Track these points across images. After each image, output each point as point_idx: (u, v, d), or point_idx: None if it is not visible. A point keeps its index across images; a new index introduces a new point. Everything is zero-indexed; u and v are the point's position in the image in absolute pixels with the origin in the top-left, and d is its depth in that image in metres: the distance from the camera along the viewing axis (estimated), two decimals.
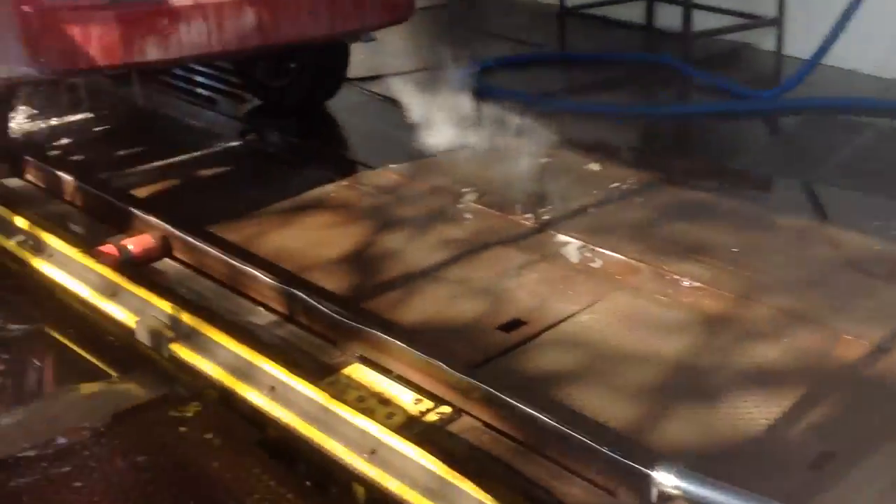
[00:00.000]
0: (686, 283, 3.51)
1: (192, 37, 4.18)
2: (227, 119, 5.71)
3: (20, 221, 3.89)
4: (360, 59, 5.83)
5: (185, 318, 3.10)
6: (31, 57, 3.96)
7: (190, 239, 3.80)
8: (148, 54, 4.12)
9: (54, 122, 5.60)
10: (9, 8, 3.90)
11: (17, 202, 4.26)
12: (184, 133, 5.50)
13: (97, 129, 5.58)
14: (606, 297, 3.49)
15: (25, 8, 3.90)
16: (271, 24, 4.39)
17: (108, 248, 3.72)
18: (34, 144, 5.25)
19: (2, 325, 3.42)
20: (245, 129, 5.47)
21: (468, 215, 4.26)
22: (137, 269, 3.66)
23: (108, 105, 5.81)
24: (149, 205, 4.26)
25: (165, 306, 3.18)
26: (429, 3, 7.36)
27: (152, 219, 3.96)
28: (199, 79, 6.33)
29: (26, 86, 5.04)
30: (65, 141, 5.37)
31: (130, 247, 3.77)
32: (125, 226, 4.05)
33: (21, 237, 3.84)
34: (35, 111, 5.72)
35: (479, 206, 4.31)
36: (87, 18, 3.96)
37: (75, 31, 3.95)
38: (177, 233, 3.85)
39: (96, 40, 3.99)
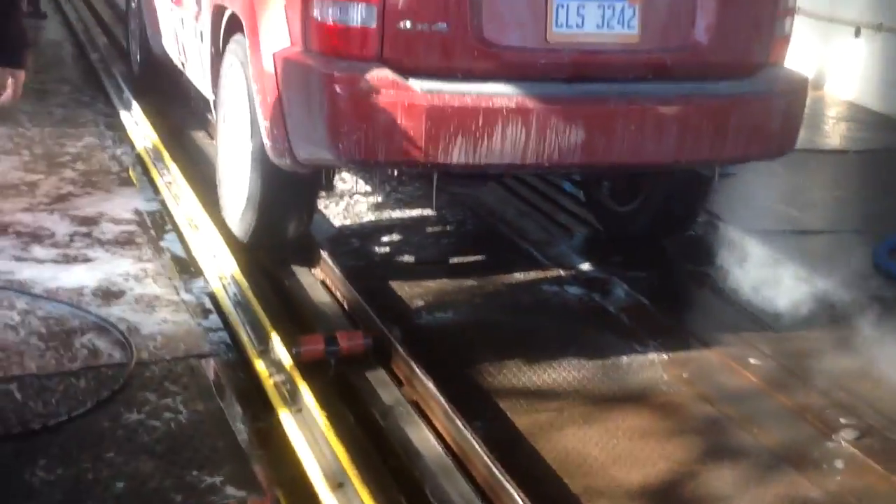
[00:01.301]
0: None
1: (507, 144, 3.53)
2: (561, 245, 4.90)
3: (285, 357, 3.28)
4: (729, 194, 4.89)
5: None
6: (331, 141, 3.51)
7: (448, 409, 3.08)
8: (459, 157, 3.51)
9: (373, 216, 5.08)
10: (318, 86, 3.49)
11: (297, 312, 3.78)
12: (508, 253, 4.78)
13: (413, 227, 4.99)
14: None
15: (336, 88, 3.45)
16: (603, 142, 3.64)
17: (314, 341, 3.42)
18: (340, 235, 4.81)
19: (218, 488, 2.71)
20: (578, 269, 4.57)
21: (838, 462, 3.12)
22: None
23: (442, 201, 5.20)
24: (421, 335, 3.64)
25: None
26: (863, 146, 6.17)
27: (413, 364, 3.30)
28: (537, 184, 5.60)
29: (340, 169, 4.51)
30: (377, 236, 4.87)
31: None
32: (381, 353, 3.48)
33: (281, 377, 3.23)
34: (361, 194, 5.27)
35: (857, 452, 3.16)
36: (395, 107, 3.43)
37: (380, 120, 3.44)
38: (440, 400, 3.13)
39: (400, 133, 3.45)
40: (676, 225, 4.81)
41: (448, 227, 5.05)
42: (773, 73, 3.95)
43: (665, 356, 3.77)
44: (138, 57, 6.57)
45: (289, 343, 3.38)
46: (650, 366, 3.70)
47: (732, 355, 3.79)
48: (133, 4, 6.59)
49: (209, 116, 5.83)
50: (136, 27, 6.55)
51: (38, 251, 4.08)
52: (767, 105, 3.86)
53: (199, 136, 6.06)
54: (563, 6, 3.60)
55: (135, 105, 6.05)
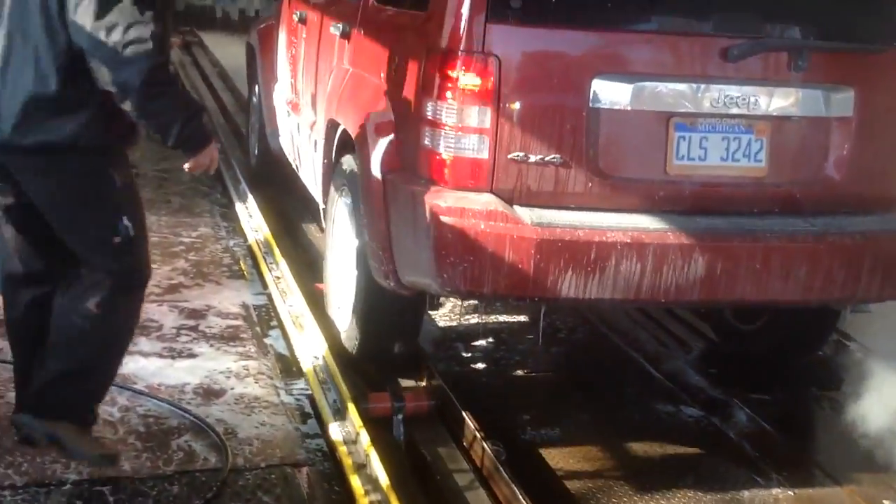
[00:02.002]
0: None
1: (620, 280, 3.34)
2: (677, 359, 4.64)
3: (382, 476, 3.12)
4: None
5: None
6: (436, 270, 3.38)
7: None
8: (568, 291, 3.33)
9: (479, 318, 4.91)
10: (425, 215, 3.38)
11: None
12: (620, 366, 4.56)
13: (520, 332, 4.80)
14: None
15: (443, 218, 3.33)
16: (725, 280, 3.41)
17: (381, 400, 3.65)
18: (445, 339, 4.67)
19: None
20: (695, 388, 4.32)
21: None
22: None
23: (564, 319, 5.02)
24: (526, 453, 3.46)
25: None
26: None
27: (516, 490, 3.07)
28: None
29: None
30: (482, 341, 4.69)
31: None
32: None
33: (378, 497, 3.08)
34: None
35: None
36: (503, 240, 3.29)
37: (487, 252, 3.30)
38: None
39: (508, 266, 3.30)
40: (803, 347, 4.51)
41: (558, 335, 4.86)
42: None
43: (791, 492, 3.49)
44: (255, 150, 6.68)
45: (387, 463, 3.23)
46: (774, 503, 3.41)
47: (865, 495, 3.48)
48: (254, 99, 6.73)
49: (321, 210, 5.85)
50: (256, 121, 6.67)
51: (144, 344, 4.06)
52: None
53: (311, 229, 6.07)
54: (684, 138, 3.44)
55: (250, 197, 6.11)
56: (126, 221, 3.04)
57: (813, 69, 3.47)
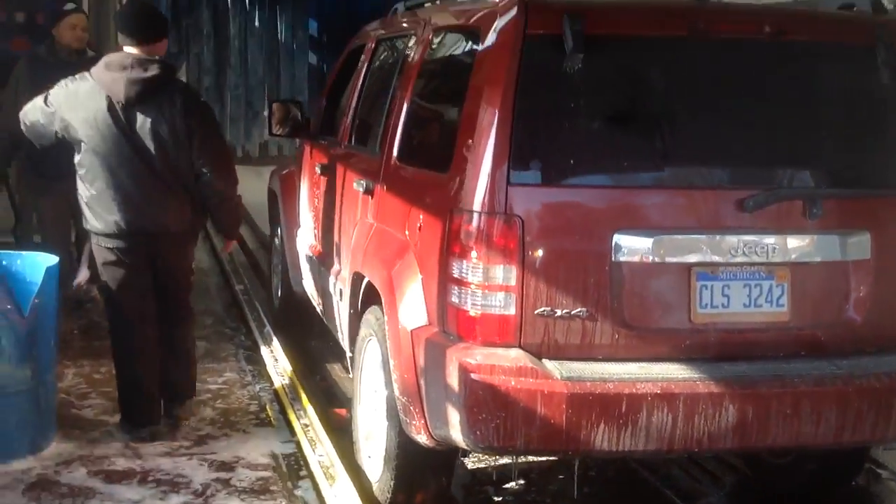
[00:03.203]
0: None
1: (652, 430, 3.37)
2: (711, 496, 4.61)
3: None
4: None
5: None
6: (468, 427, 3.42)
7: None
8: (601, 444, 3.36)
9: (509, 458, 4.81)
10: (455, 371, 3.43)
11: None
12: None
13: (551, 472, 4.75)
14: None
15: (473, 375, 3.39)
16: (756, 426, 3.44)
17: None
18: (474, 482, 4.64)
19: None
20: None
21: None
22: None
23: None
24: None
25: None
26: None
27: None
28: None
29: None
30: (512, 483, 4.63)
31: None
32: None
33: None
34: None
35: None
36: (534, 395, 3.34)
37: (518, 408, 3.34)
38: None
39: (540, 421, 3.34)
40: (837, 478, 4.48)
41: (589, 472, 4.83)
42: None
43: None
44: (279, 292, 6.78)
45: None
46: None
47: None
48: (276, 241, 6.86)
49: (345, 351, 5.91)
50: (279, 263, 6.79)
51: (174, 500, 4.06)
52: None
53: (335, 369, 6.10)
54: (707, 287, 3.52)
55: (275, 340, 6.16)
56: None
57: (827, 215, 3.57)
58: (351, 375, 5.71)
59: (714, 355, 3.53)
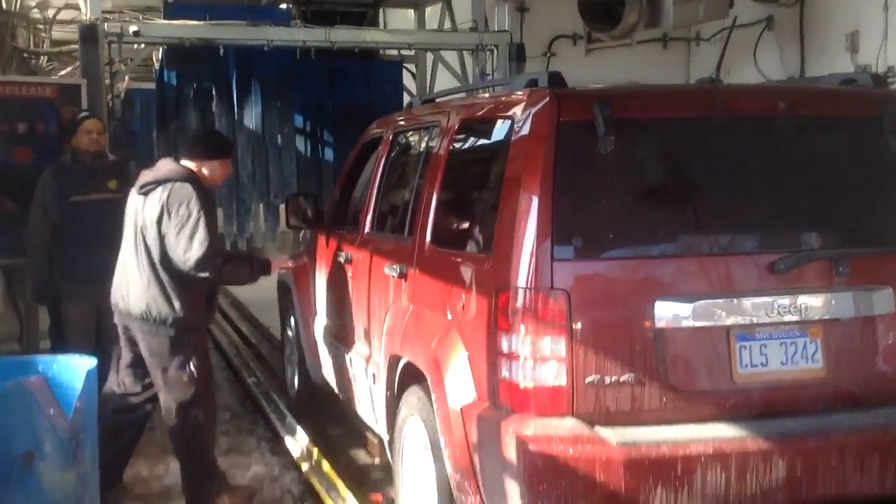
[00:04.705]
0: None
1: (707, 490, 3.49)
2: None
3: None
4: None
5: None
6: (529, 500, 3.50)
7: None
8: None
9: None
10: (512, 445, 3.53)
11: None
12: None
13: None
14: None
15: (531, 447, 3.49)
16: (806, 480, 3.59)
17: None
18: None
19: None
20: None
21: None
22: None
23: None
24: None
25: None
26: None
27: None
28: None
29: None
30: None
31: None
32: None
33: None
34: None
35: None
36: (592, 463, 3.45)
37: (578, 477, 3.45)
38: None
39: (600, 488, 3.44)
40: None
41: None
42: None
43: None
44: (295, 381, 6.83)
45: None
46: None
47: None
48: (290, 333, 6.94)
49: (368, 435, 5.95)
50: (293, 353, 6.85)
51: None
52: None
53: (360, 454, 6.12)
54: (745, 347, 3.69)
55: (299, 429, 6.19)
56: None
57: (853, 273, 3.76)
58: (376, 461, 5.80)
59: (758, 413, 3.68)
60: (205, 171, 5.09)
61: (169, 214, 4.85)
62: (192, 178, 5.00)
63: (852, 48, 8.10)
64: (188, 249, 4.81)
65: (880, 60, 7.55)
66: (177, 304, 4.92)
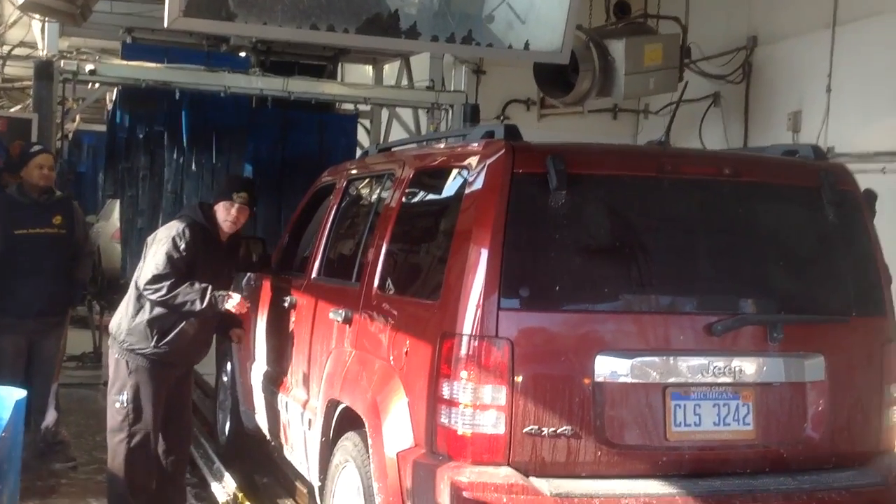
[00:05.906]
0: None
1: None
2: None
3: None
4: None
5: None
6: None
7: None
8: None
9: None
10: (447, 492, 3.56)
11: None
12: None
13: None
14: None
15: (465, 494, 3.53)
16: None
17: None
18: None
19: None
20: None
21: None
22: None
23: None
24: None
25: None
26: None
27: None
28: None
29: None
30: None
31: None
32: None
33: None
34: None
35: None
36: None
37: None
38: None
39: None
40: None
41: None
42: (885, 461, 4.03)
43: None
44: (226, 428, 6.72)
45: None
46: None
47: None
48: (224, 378, 6.85)
49: (297, 484, 5.88)
50: (226, 398, 6.76)
51: None
52: (883, 496, 3.90)
53: None
54: (680, 406, 3.77)
55: (227, 475, 6.08)
56: None
57: (787, 339, 3.87)
58: None
59: (689, 471, 3.74)
60: (217, 211, 5.34)
61: (153, 241, 5.25)
62: (194, 216, 5.29)
63: (794, 127, 8.36)
64: (143, 269, 5.12)
65: (820, 140, 7.80)
66: (125, 325, 5.19)
